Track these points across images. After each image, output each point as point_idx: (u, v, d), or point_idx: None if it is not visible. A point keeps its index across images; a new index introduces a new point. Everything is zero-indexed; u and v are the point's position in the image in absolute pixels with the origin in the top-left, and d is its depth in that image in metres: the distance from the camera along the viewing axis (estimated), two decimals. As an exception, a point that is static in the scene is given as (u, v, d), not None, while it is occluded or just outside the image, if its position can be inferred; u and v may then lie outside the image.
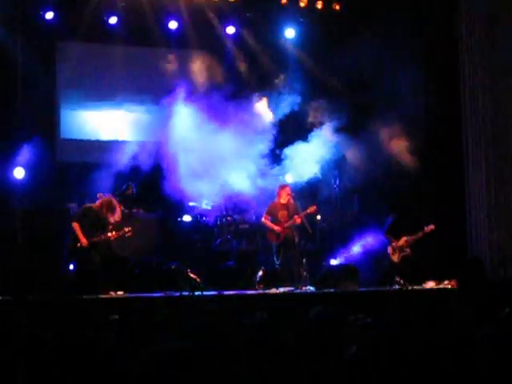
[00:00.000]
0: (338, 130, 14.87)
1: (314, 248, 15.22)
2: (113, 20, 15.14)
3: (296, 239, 13.24)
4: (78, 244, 12.07)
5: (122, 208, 14.21)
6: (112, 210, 12.30)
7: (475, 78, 14.39)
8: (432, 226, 13.54)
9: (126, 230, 12.39)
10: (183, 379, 1.95)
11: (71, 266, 11.91)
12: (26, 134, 14.03)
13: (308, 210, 13.42)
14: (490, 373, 2.78)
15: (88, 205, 12.48)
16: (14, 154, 13.82)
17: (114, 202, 12.40)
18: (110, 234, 12.25)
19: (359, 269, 13.29)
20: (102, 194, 13.27)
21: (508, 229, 14.04)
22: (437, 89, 15.05)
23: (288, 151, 14.72)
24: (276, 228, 13.26)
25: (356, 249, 14.55)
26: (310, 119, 15.19)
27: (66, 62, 15.34)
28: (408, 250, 13.61)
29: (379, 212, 15.12)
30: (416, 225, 13.70)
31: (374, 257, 14.44)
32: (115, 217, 12.36)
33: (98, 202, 12.37)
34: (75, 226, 12.13)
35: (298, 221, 13.21)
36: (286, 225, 13.23)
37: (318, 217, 14.74)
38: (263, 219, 13.50)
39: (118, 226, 12.55)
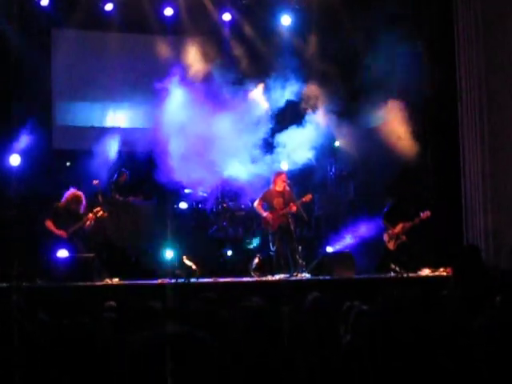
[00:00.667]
0: (333, 116, 14.85)
1: (310, 235, 15.24)
2: (108, 7, 15.08)
3: (292, 226, 13.22)
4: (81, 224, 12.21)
5: (117, 196, 14.22)
6: (79, 202, 12.43)
7: (472, 71, 14.36)
8: (428, 213, 13.54)
9: (95, 210, 12.48)
10: (177, 366, 1.95)
11: (66, 253, 11.92)
12: (21, 121, 14.01)
13: (304, 199, 13.41)
14: (485, 362, 2.79)
15: (56, 203, 12.52)
16: (10, 141, 13.81)
17: (78, 194, 12.47)
18: (84, 223, 12.35)
19: (355, 256, 13.28)
20: (97, 181, 13.29)
21: (504, 216, 14.05)
22: (434, 72, 15.00)
23: (283, 137, 14.71)
24: (265, 214, 13.27)
25: (350, 238, 14.55)
26: (305, 105, 15.17)
27: (62, 49, 15.29)
28: (404, 237, 13.61)
29: (375, 199, 15.13)
30: (412, 212, 13.70)
31: (369, 244, 14.44)
32: (84, 207, 12.47)
33: (63, 200, 12.45)
34: (48, 223, 12.26)
35: (294, 209, 13.20)
36: (281, 212, 13.22)
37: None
38: (256, 204, 13.50)
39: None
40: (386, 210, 13.88)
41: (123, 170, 14.37)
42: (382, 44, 14.56)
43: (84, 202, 12.50)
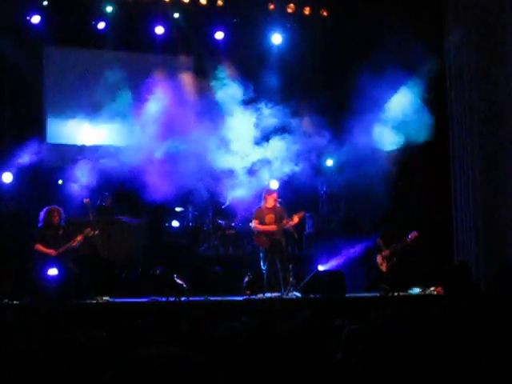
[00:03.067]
0: (324, 133, 14.87)
1: (301, 253, 15.22)
2: (101, 25, 15.12)
3: (284, 244, 13.20)
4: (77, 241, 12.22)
5: (103, 217, 14.14)
6: (54, 215, 12.39)
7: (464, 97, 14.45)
8: (415, 234, 13.54)
9: (87, 230, 12.45)
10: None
11: (55, 272, 11.87)
12: (13, 138, 14.02)
13: (297, 215, 13.38)
14: (478, 376, 2.79)
15: (37, 228, 12.47)
16: (2, 158, 13.83)
17: (49, 209, 12.44)
18: (73, 243, 12.31)
19: (346, 275, 13.26)
20: (88, 200, 13.27)
21: (494, 234, 14.08)
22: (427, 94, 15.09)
23: (274, 154, 14.74)
24: (270, 228, 13.14)
25: (341, 257, 14.54)
26: (296, 123, 15.19)
27: (54, 67, 15.31)
28: (395, 258, 13.59)
29: (365, 218, 15.15)
30: (402, 233, 13.70)
31: (359, 263, 14.45)
32: (61, 216, 12.47)
33: (40, 222, 12.41)
34: (38, 247, 12.23)
35: (296, 220, 13.14)
36: (277, 228, 13.13)
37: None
38: (254, 224, 13.32)
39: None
40: (380, 231, 13.88)
41: (106, 194, 14.32)
42: (373, 61, 14.62)
43: (60, 213, 12.45)
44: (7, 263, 13.08)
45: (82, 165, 14.20)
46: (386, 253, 13.65)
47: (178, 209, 14.96)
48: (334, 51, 15.72)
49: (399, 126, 14.72)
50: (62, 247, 12.25)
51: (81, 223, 12.98)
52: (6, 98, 14.42)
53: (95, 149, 15.12)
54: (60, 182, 14.33)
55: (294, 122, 15.18)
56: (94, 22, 15.12)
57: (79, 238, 12.36)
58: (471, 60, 14.34)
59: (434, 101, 14.95)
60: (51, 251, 12.17)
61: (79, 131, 15.47)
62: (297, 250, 15.07)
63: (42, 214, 12.42)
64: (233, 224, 15.03)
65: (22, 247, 13.24)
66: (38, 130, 14.99)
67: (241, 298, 12.50)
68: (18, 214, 14.00)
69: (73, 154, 15.04)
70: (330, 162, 15.59)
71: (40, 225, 12.40)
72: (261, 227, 13.22)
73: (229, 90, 14.88)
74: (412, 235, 13.52)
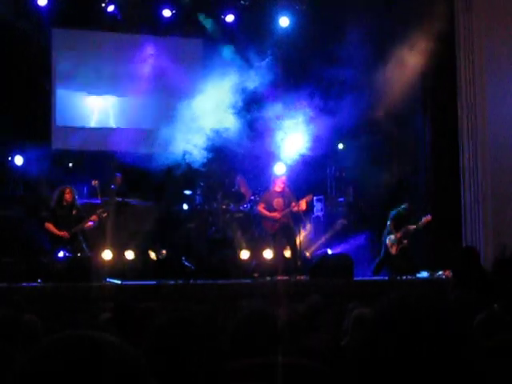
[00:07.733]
0: (332, 117, 14.83)
1: (309, 236, 15.21)
2: (110, 8, 15.07)
3: (292, 228, 13.23)
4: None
5: (116, 198, 14.19)
6: (68, 194, 12.44)
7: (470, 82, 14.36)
8: (429, 217, 13.52)
9: (99, 212, 12.47)
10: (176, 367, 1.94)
11: (62, 254, 11.90)
12: (23, 121, 14.04)
13: (305, 199, 13.41)
14: (488, 361, 2.79)
15: (49, 207, 12.50)
16: (10, 141, 13.88)
17: (63, 188, 12.50)
18: (88, 223, 12.35)
19: (354, 258, 13.25)
20: (96, 182, 13.29)
21: (503, 219, 14.04)
22: (433, 76, 15.04)
23: (283, 137, 14.73)
24: (273, 215, 13.21)
25: (349, 240, 14.54)
26: (303, 106, 15.16)
27: (62, 49, 15.29)
28: (406, 241, 13.57)
29: (374, 202, 15.14)
30: (414, 216, 13.68)
31: (367, 247, 14.45)
32: (74, 197, 12.52)
33: (53, 200, 12.42)
34: (48, 226, 12.24)
35: (303, 206, 13.18)
36: (282, 213, 13.20)
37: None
38: (259, 207, 13.47)
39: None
40: (392, 214, 13.85)
41: (115, 174, 14.34)
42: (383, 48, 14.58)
43: (73, 192, 12.48)
44: (17, 246, 13.12)
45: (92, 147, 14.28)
46: (396, 236, 13.63)
47: (186, 192, 14.98)
48: (342, 35, 15.64)
49: None
50: (74, 227, 12.29)
51: (90, 206, 12.99)
52: (16, 82, 14.42)
53: (104, 131, 15.13)
54: (70, 164, 14.28)
55: (301, 105, 15.14)
56: (101, 5, 15.07)
57: (94, 217, 12.40)
58: None
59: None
60: (63, 233, 12.19)
61: (87, 114, 15.48)
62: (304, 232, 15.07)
63: (54, 193, 12.46)
64: (241, 207, 15.04)
65: (32, 230, 13.27)
66: (46, 113, 15.00)
67: (249, 281, 12.53)
68: (26, 197, 14.03)
69: (81, 136, 15.07)
70: (340, 145, 15.56)
71: (52, 204, 12.44)
72: (265, 213, 13.31)
73: (237, 73, 14.88)
74: (425, 219, 13.50)
